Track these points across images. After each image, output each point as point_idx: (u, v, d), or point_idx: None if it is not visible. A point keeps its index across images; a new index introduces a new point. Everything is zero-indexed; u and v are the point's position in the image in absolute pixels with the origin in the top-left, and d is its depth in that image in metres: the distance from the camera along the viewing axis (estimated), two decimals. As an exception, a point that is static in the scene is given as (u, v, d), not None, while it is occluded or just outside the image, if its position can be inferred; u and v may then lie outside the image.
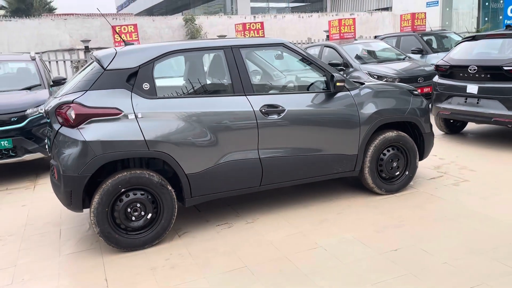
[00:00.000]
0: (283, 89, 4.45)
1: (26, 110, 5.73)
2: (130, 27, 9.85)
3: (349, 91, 4.24)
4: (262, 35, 10.50)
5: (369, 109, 4.25)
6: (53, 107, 3.49)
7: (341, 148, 4.18)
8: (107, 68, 3.52)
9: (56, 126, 3.48)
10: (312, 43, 13.89)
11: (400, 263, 3.14)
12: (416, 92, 4.66)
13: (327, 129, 4.10)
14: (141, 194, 3.56)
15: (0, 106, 5.68)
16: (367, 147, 4.33)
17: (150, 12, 41.48)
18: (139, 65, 3.56)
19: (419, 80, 8.71)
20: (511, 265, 3.01)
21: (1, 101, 5.83)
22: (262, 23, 10.55)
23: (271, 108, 3.87)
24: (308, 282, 2.97)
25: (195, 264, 3.32)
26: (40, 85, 6.56)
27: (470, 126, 7.35)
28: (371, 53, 10.22)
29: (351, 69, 9.27)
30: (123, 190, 3.47)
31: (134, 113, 3.46)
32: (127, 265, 3.37)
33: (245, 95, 3.83)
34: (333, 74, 4.05)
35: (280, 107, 3.90)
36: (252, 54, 4.82)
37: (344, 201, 4.39)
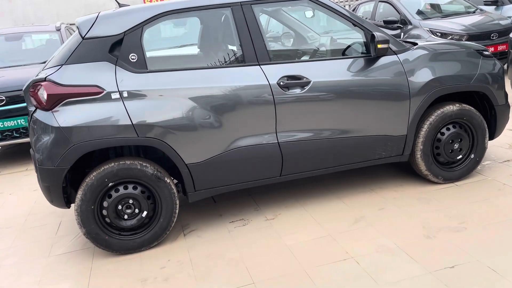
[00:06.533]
0: (311, 55, 3.60)
1: (42, 86, 5.32)
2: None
3: (396, 54, 3.32)
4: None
5: (423, 76, 3.32)
6: (26, 86, 2.94)
7: (385, 127, 3.32)
8: (86, 36, 2.89)
9: (32, 109, 2.94)
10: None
11: (457, 289, 2.33)
12: (487, 53, 3.62)
13: (366, 104, 3.24)
14: (134, 189, 2.97)
15: (15, 82, 5.32)
16: (420, 126, 3.43)
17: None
18: (124, 32, 2.90)
19: (492, 37, 7.37)
20: None
21: (16, 76, 5.48)
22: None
23: (293, 80, 3.08)
24: (327, 314, 2.26)
25: (192, 276, 2.70)
26: (63, 57, 6.14)
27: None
28: (435, 6, 8.87)
29: (409, 27, 8.06)
30: (110, 184, 2.90)
31: (119, 91, 2.82)
32: (115, 274, 2.84)
33: (259, 65, 3.06)
34: (374, 33, 3.15)
35: (305, 79, 3.10)
36: (280, 13, 4.02)
37: (390, 192, 3.55)
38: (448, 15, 8.38)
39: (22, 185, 4.78)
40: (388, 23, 8.46)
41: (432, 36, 7.53)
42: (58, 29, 6.66)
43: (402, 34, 8.18)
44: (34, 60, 6.09)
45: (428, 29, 7.67)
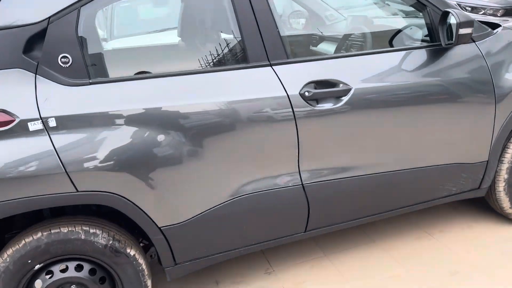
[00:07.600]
0: (343, 47, 2.46)
1: None
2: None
3: (474, 41, 2.22)
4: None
5: (514, 74, 2.23)
6: None
7: (458, 152, 2.24)
8: (-17, 27, 1.74)
9: None
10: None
11: None
12: None
13: (432, 119, 2.15)
14: (77, 269, 1.87)
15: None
16: (507, 146, 2.35)
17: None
18: (49, 18, 1.75)
19: (533, 10, 6.24)
20: None
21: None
22: None
23: (324, 89, 1.97)
24: None
25: None
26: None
27: None
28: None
29: (432, 1, 6.90)
30: (38, 266, 1.80)
31: (41, 118, 1.69)
32: None
33: (271, 65, 1.93)
34: (449, 11, 2.03)
35: (342, 85, 1.98)
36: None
37: (457, 241, 2.49)
38: (475, -14, 7.22)
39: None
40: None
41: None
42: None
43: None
44: None
45: (455, 2, 6.52)
